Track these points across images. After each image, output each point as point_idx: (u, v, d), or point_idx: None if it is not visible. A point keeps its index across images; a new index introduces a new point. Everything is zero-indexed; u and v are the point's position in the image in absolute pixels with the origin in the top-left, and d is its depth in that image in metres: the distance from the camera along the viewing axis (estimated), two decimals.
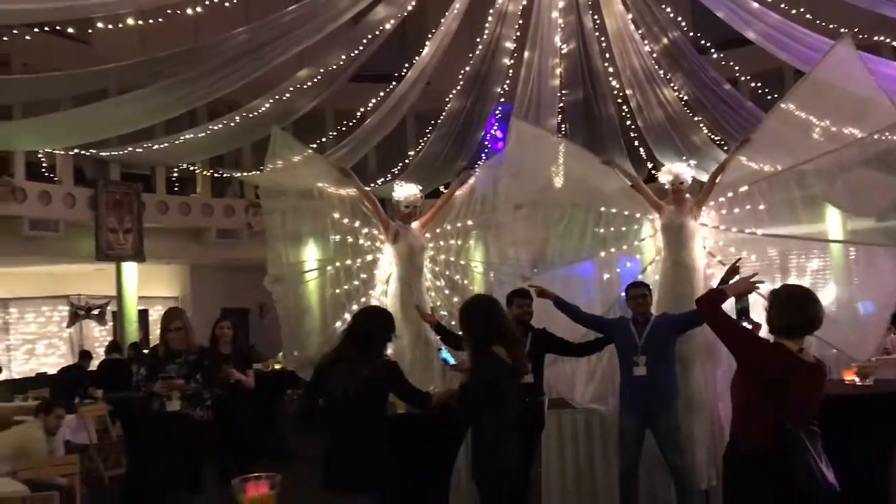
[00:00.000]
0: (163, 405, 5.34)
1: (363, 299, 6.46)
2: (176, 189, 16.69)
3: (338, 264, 6.53)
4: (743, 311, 5.22)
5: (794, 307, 3.31)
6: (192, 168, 15.79)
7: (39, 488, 5.16)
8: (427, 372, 6.20)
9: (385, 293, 6.57)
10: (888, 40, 11.39)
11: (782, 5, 10.43)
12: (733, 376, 3.36)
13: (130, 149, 13.15)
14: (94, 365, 12.28)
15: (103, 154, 13.69)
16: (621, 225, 6.61)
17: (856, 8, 10.18)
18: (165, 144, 12.91)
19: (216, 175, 16.17)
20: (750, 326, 4.45)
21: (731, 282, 4.39)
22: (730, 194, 6.69)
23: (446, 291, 6.84)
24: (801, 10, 10.53)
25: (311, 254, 6.67)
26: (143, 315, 16.87)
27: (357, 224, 6.58)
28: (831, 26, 10.65)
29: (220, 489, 5.48)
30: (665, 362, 5.57)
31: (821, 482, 3.10)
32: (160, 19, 9.09)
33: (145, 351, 11.66)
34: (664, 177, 6.63)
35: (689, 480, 5.45)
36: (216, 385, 5.89)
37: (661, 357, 5.54)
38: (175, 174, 16.28)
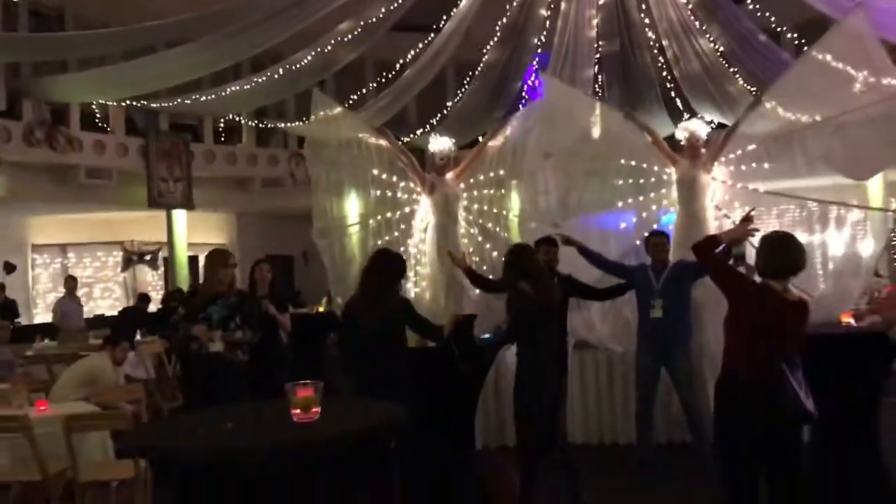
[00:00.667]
0: (202, 346, 5.33)
1: (402, 248, 6.91)
2: (223, 139, 17.21)
3: (378, 217, 6.99)
4: (739, 257, 5.54)
5: (779, 252, 3.63)
6: (237, 119, 16.28)
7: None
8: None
9: (423, 241, 7.02)
10: None
11: None
12: (726, 315, 3.72)
13: (179, 100, 13.64)
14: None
15: (153, 105, 14.23)
16: (639, 177, 6.93)
17: None
18: (213, 96, 13.36)
19: (261, 126, 16.65)
20: (744, 271, 4.77)
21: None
22: (752, 146, 6.96)
23: (479, 239, 7.26)
24: None
25: (353, 208, 7.12)
26: (192, 261, 17.58)
27: (394, 179, 7.00)
28: None
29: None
30: (680, 306, 5.93)
31: (799, 408, 3.48)
32: None
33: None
34: (681, 133, 6.96)
35: (701, 416, 5.83)
36: (256, 328, 5.74)
37: (677, 301, 5.90)
38: (222, 125, 16.80)
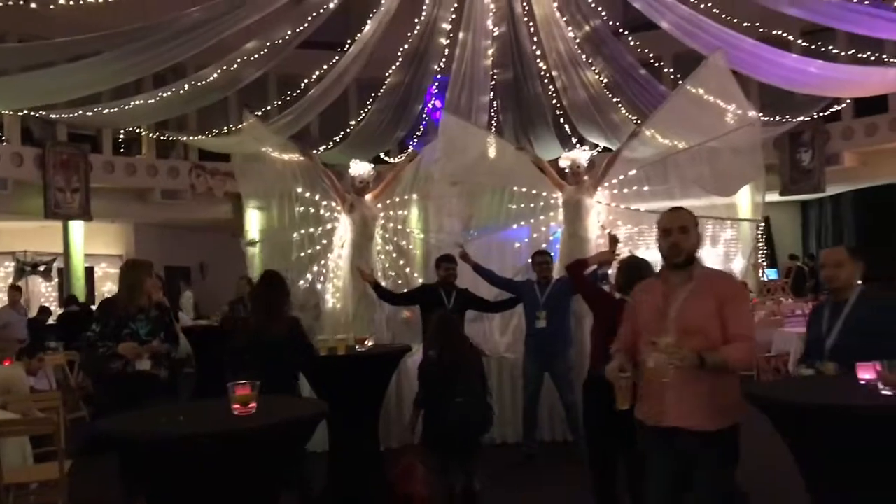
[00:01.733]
0: (128, 364, 5.01)
1: (323, 261, 7.45)
2: (122, 150, 17.13)
3: (302, 231, 7.51)
4: (604, 276, 6.32)
5: (631, 272, 4.39)
6: (138, 130, 16.28)
7: None
8: (368, 325, 7.21)
9: (340, 256, 7.60)
10: (784, 34, 12.63)
11: None
12: (592, 324, 4.44)
13: (80, 112, 13.60)
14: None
15: (52, 116, 14.11)
16: (531, 202, 7.72)
17: (756, 4, 11.34)
18: (115, 109, 13.40)
19: (162, 137, 16.68)
20: (608, 288, 5.53)
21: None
22: (633, 172, 7.84)
23: (394, 255, 7.96)
24: (709, 4, 11.65)
25: (279, 221, 7.63)
26: (88, 272, 17.39)
27: (317, 197, 7.57)
28: (735, 20, 11.85)
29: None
30: (562, 317, 6.67)
31: None
32: None
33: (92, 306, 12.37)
34: (564, 162, 7.78)
35: (579, 414, 6.48)
36: (176, 342, 5.51)
37: (559, 313, 6.64)
38: (121, 135, 16.73)
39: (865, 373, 2.99)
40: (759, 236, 18.89)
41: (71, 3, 9.47)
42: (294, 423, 2.93)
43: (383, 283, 7.31)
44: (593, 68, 12.79)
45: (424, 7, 12.11)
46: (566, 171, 7.89)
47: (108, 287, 18.40)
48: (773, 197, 17.71)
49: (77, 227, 16.08)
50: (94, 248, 17.40)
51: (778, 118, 14.90)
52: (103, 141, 16.65)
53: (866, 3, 10.46)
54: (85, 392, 9.90)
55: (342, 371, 5.65)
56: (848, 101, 15.10)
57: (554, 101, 14.10)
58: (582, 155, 7.91)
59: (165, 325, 5.38)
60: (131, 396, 4.83)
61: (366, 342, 6.06)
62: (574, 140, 15.81)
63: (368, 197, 7.72)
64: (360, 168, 7.76)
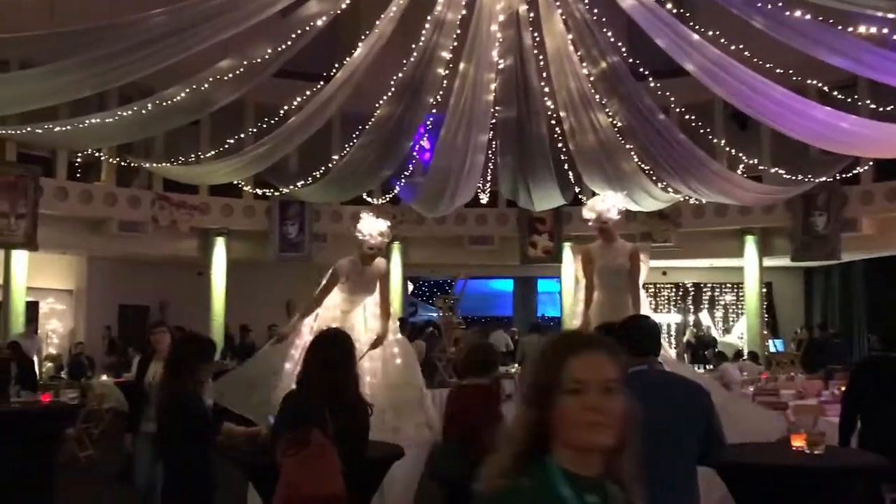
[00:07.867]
0: None
1: None
2: (78, 175, 15.59)
3: None
4: None
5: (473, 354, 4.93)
6: (97, 154, 14.78)
7: None
8: None
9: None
10: (817, 83, 11.50)
11: (722, 40, 10.35)
12: None
13: (29, 128, 12.10)
14: None
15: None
16: None
17: (789, 48, 10.18)
18: (69, 127, 11.93)
19: (123, 163, 15.15)
20: None
21: None
22: None
23: None
24: (741, 46, 10.47)
25: None
26: (32, 307, 15.71)
27: None
28: (768, 66, 10.69)
29: None
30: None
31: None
32: None
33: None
34: (588, 213, 6.26)
35: None
36: None
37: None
38: (79, 159, 15.22)
39: None
40: (763, 304, 17.69)
41: None
42: None
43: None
44: (606, 110, 11.53)
45: (423, 33, 10.81)
46: (590, 224, 6.43)
47: (52, 324, 16.73)
48: (782, 262, 16.51)
49: (20, 257, 14.45)
50: (40, 281, 15.74)
51: (796, 177, 13.74)
52: (57, 164, 15.10)
53: None
54: None
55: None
56: (870, 163, 14.01)
57: (559, 145, 12.82)
58: (611, 207, 6.31)
59: None
60: None
61: None
62: (577, 189, 14.56)
63: (379, 262, 5.93)
64: (372, 227, 5.77)
